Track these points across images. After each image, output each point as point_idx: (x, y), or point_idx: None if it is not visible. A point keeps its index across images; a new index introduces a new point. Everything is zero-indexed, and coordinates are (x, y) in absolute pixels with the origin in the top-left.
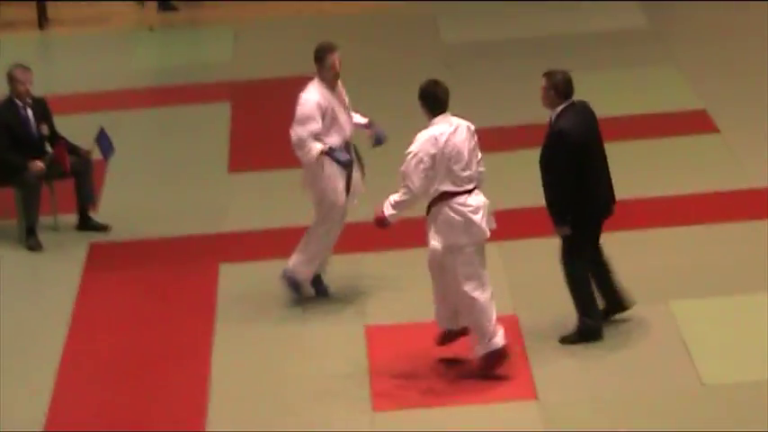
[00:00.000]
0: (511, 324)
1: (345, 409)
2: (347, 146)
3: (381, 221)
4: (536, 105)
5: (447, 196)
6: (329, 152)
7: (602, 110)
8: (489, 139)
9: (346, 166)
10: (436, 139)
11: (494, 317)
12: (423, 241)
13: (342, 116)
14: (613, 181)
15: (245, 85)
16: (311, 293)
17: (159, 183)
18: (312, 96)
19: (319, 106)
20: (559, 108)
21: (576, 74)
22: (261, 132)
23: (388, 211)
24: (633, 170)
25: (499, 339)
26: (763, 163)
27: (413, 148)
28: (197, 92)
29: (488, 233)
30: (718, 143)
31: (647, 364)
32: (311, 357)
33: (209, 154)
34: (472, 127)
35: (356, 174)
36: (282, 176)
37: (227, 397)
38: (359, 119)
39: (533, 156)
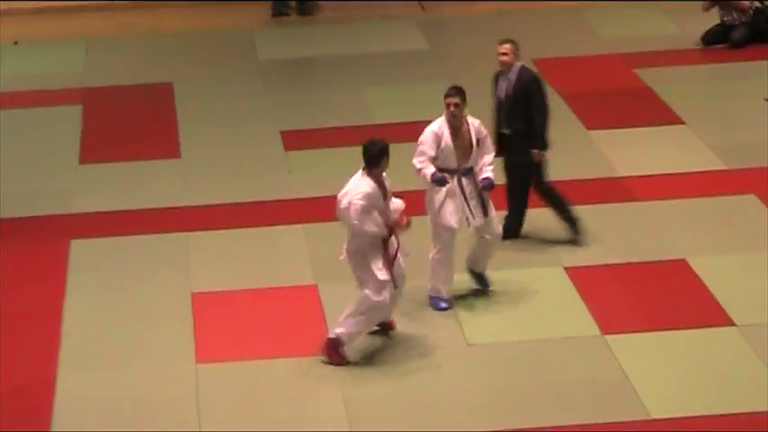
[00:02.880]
0: (311, 292)
1: (170, 362)
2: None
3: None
4: (340, 111)
5: None
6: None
7: (388, 118)
8: (302, 139)
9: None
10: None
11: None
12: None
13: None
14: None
15: (96, 90)
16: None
17: (20, 171)
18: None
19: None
20: (518, 65)
21: (367, 88)
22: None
23: None
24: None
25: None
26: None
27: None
28: (52, 96)
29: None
30: None
31: (420, 327)
32: (144, 321)
33: (61, 147)
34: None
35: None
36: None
37: (75, 351)
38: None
39: (339, 153)
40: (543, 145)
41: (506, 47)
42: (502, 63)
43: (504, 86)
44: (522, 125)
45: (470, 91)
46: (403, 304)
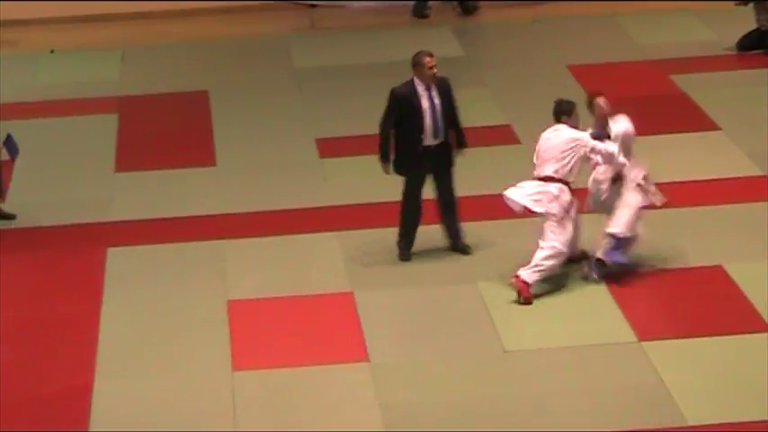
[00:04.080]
0: (347, 299)
1: (206, 370)
2: None
3: None
4: (375, 118)
5: None
6: None
7: None
8: (337, 146)
9: None
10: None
11: None
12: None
13: None
14: None
15: (132, 99)
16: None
17: (56, 180)
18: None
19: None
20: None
21: None
22: (145, 138)
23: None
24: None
25: None
26: None
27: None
28: (88, 104)
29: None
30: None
31: (456, 334)
32: (180, 328)
33: (97, 156)
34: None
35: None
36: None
37: (112, 357)
38: None
39: (374, 160)
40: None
41: (434, 59)
42: (432, 76)
43: (430, 96)
44: (447, 132)
45: (510, 96)
46: (442, 308)
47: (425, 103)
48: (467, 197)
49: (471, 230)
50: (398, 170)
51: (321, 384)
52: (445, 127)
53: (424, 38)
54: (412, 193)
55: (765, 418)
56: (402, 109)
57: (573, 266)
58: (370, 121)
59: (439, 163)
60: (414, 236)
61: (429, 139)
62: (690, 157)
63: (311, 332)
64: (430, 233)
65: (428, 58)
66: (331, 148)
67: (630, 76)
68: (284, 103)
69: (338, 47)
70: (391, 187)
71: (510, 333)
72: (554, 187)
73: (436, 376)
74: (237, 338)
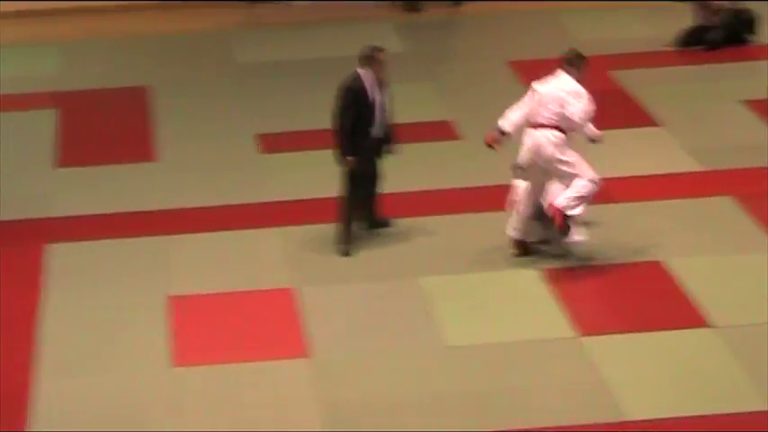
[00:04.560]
0: (289, 295)
1: (146, 366)
2: None
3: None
4: (317, 114)
5: None
6: None
7: None
8: (278, 142)
9: None
10: None
11: None
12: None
13: None
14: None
15: (72, 94)
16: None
17: None
18: None
19: None
20: None
21: None
22: (85, 134)
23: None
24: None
25: None
26: (499, 164)
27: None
28: (27, 100)
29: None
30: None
31: (398, 329)
32: (120, 324)
33: (37, 151)
34: None
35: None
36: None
37: (52, 355)
38: None
39: (316, 155)
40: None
41: (383, 54)
42: (381, 70)
43: (379, 91)
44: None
45: (451, 92)
46: (383, 304)
47: (375, 97)
48: (404, 193)
49: (411, 226)
50: (344, 160)
51: (262, 381)
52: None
53: (364, 34)
54: (353, 185)
55: (703, 413)
56: (358, 103)
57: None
58: (311, 117)
59: (377, 155)
60: (352, 230)
61: (377, 131)
62: (630, 153)
63: (253, 328)
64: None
65: (381, 54)
66: (272, 143)
67: None
68: (225, 99)
69: (279, 43)
70: (332, 182)
71: (451, 329)
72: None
73: (377, 372)
74: (178, 335)
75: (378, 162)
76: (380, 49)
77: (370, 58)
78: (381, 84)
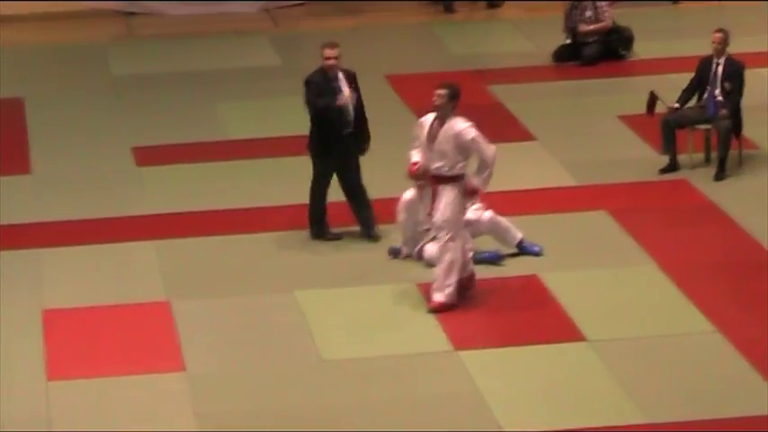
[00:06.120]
0: (164, 308)
1: (20, 380)
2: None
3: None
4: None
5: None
6: None
7: (241, 134)
8: (154, 155)
9: None
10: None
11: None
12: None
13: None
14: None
15: None
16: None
17: None
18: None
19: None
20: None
21: (220, 104)
22: None
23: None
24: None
25: None
26: (383, 178)
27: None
28: None
29: None
30: None
31: (273, 343)
32: None
33: None
34: None
35: None
36: None
37: None
38: None
39: (192, 168)
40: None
41: (335, 51)
42: (330, 67)
43: (341, 89)
44: (359, 126)
45: None
46: (259, 317)
47: (334, 93)
48: (281, 206)
49: (284, 239)
50: (312, 155)
51: (137, 394)
52: (355, 118)
53: (241, 47)
54: (320, 180)
55: (579, 426)
56: (318, 96)
57: (388, 271)
58: (187, 130)
59: (349, 152)
60: (324, 222)
61: (339, 128)
62: (506, 167)
63: (127, 342)
64: (248, 242)
65: (326, 50)
66: (148, 156)
67: None
68: (101, 112)
69: (156, 55)
70: (207, 196)
71: (327, 342)
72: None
73: (253, 386)
74: (53, 348)
75: (351, 161)
76: (326, 46)
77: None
78: (343, 79)
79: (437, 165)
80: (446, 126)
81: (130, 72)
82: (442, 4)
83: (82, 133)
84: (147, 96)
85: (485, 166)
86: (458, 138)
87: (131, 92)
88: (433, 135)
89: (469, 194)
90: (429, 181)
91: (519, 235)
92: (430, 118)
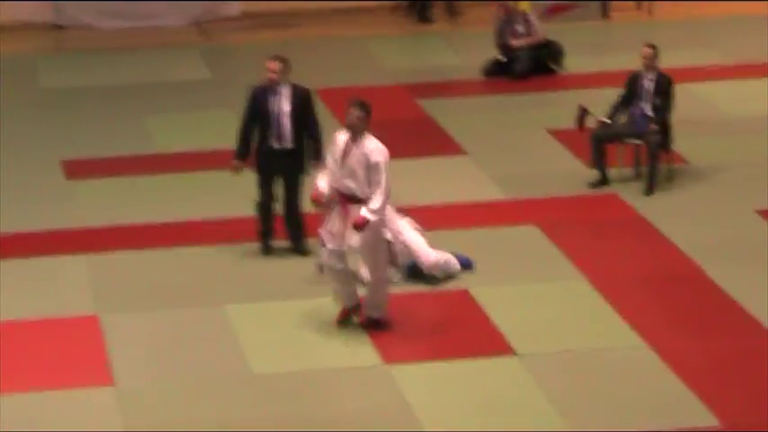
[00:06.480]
0: (93, 322)
1: None
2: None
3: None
4: (123, 139)
5: None
6: None
7: (171, 147)
8: (85, 168)
9: None
10: None
11: None
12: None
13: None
14: None
15: None
16: None
17: None
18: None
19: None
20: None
21: (149, 117)
22: None
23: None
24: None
25: None
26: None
27: (381, 157)
28: None
29: None
30: None
31: (203, 357)
32: None
33: None
34: None
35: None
36: None
37: None
38: None
39: (122, 182)
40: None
41: (276, 64)
42: (270, 80)
43: (277, 100)
44: (299, 141)
45: None
46: (188, 331)
47: (271, 107)
48: (209, 221)
49: (214, 254)
50: (255, 168)
51: (66, 409)
52: (294, 133)
53: (171, 60)
54: (260, 193)
55: None
56: (254, 108)
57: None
58: (117, 143)
59: (286, 168)
60: (269, 235)
61: (274, 142)
62: (436, 181)
63: (56, 356)
64: (178, 256)
65: (270, 63)
66: (78, 170)
67: (378, 99)
68: (30, 125)
69: (85, 68)
70: (137, 209)
71: (257, 356)
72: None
73: (184, 400)
74: None
75: (289, 180)
76: (271, 59)
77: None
78: (287, 94)
79: (348, 185)
80: (359, 145)
81: (60, 85)
82: (416, 14)
83: (11, 146)
84: (76, 109)
85: (379, 195)
86: (368, 157)
87: (60, 105)
88: (346, 152)
89: (357, 227)
90: (339, 200)
91: (429, 261)
92: (344, 135)
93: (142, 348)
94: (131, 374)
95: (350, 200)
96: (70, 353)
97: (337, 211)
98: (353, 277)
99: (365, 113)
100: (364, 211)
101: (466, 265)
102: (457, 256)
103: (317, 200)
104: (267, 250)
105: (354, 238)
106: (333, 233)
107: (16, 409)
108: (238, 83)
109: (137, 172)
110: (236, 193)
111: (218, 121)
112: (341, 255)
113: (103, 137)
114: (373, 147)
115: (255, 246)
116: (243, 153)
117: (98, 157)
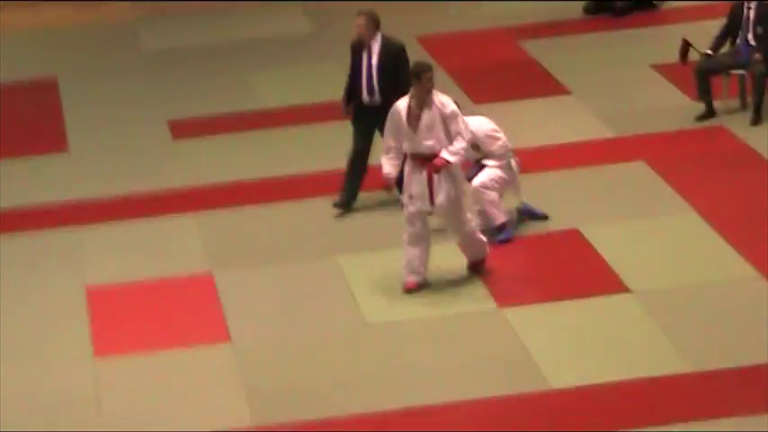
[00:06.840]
0: (207, 281)
1: (67, 358)
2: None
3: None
4: (227, 98)
5: None
6: None
7: (275, 102)
8: (190, 127)
9: None
10: None
11: None
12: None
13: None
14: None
15: None
16: None
17: None
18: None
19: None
20: (379, 36)
21: (252, 74)
22: None
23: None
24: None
25: None
26: None
27: (454, 105)
28: None
29: None
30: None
31: (317, 310)
32: (38, 317)
33: None
34: None
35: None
36: None
37: None
38: None
39: (227, 139)
40: None
41: (362, 19)
42: (357, 35)
43: (368, 55)
44: (388, 97)
45: None
46: (299, 288)
47: (363, 61)
48: (316, 173)
49: (322, 206)
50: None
51: (184, 368)
52: (382, 89)
53: (272, 16)
54: (354, 144)
55: (626, 377)
56: (353, 62)
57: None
58: (221, 101)
59: (376, 123)
60: (355, 189)
61: (365, 96)
62: (541, 122)
63: (172, 316)
64: (287, 210)
65: (356, 19)
66: (184, 129)
67: (479, 43)
68: (134, 87)
69: (185, 29)
70: (245, 166)
71: (371, 305)
72: None
73: (300, 353)
74: (98, 325)
75: (376, 132)
76: (358, 15)
77: None
78: (377, 50)
79: (427, 144)
80: (427, 103)
81: (162, 47)
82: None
83: (117, 110)
84: (179, 70)
85: (461, 140)
86: (443, 110)
87: (164, 66)
88: (413, 116)
89: (433, 170)
90: (420, 164)
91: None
92: (404, 103)
93: (257, 304)
94: (247, 331)
95: (432, 159)
96: (186, 312)
97: (415, 175)
98: (428, 244)
99: (372, 20)
100: (444, 153)
101: (541, 216)
102: (532, 210)
103: (389, 184)
104: (341, 203)
105: (440, 196)
106: (414, 196)
107: (135, 370)
108: (341, 37)
109: (241, 128)
110: (342, 147)
111: (321, 75)
112: (423, 216)
113: (207, 95)
114: (444, 99)
115: (362, 196)
116: (347, 104)
117: (203, 115)
